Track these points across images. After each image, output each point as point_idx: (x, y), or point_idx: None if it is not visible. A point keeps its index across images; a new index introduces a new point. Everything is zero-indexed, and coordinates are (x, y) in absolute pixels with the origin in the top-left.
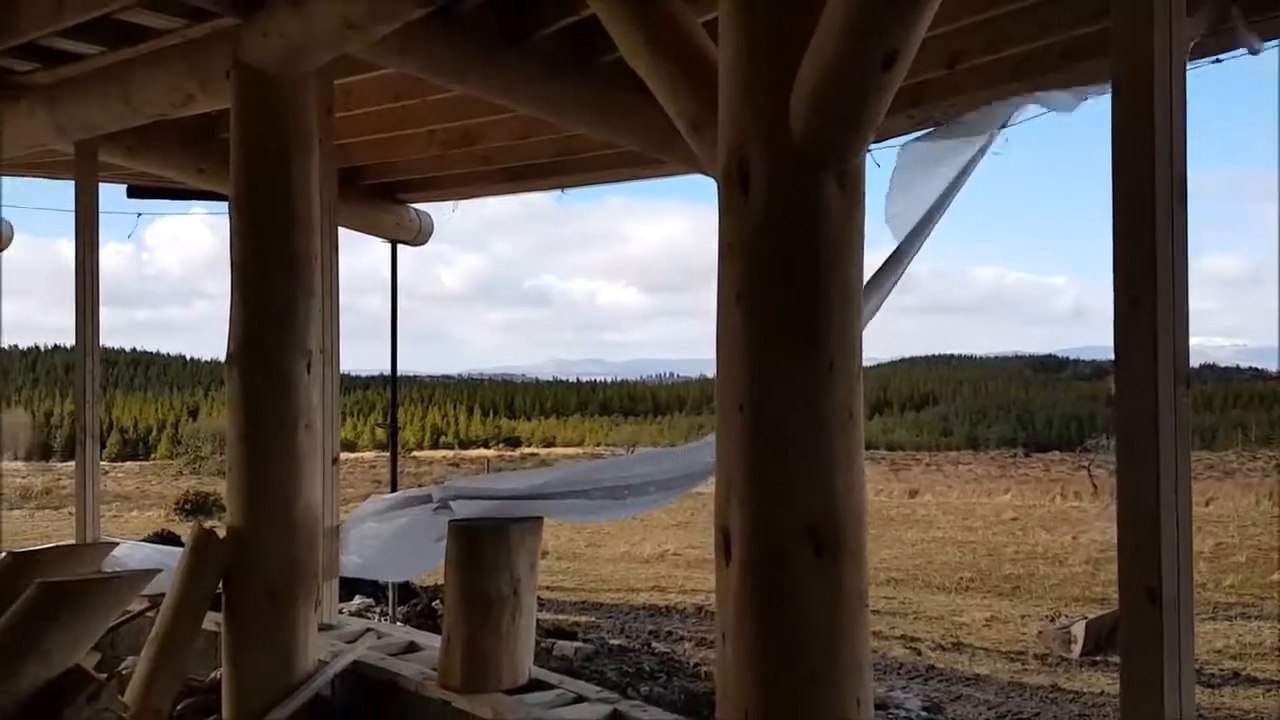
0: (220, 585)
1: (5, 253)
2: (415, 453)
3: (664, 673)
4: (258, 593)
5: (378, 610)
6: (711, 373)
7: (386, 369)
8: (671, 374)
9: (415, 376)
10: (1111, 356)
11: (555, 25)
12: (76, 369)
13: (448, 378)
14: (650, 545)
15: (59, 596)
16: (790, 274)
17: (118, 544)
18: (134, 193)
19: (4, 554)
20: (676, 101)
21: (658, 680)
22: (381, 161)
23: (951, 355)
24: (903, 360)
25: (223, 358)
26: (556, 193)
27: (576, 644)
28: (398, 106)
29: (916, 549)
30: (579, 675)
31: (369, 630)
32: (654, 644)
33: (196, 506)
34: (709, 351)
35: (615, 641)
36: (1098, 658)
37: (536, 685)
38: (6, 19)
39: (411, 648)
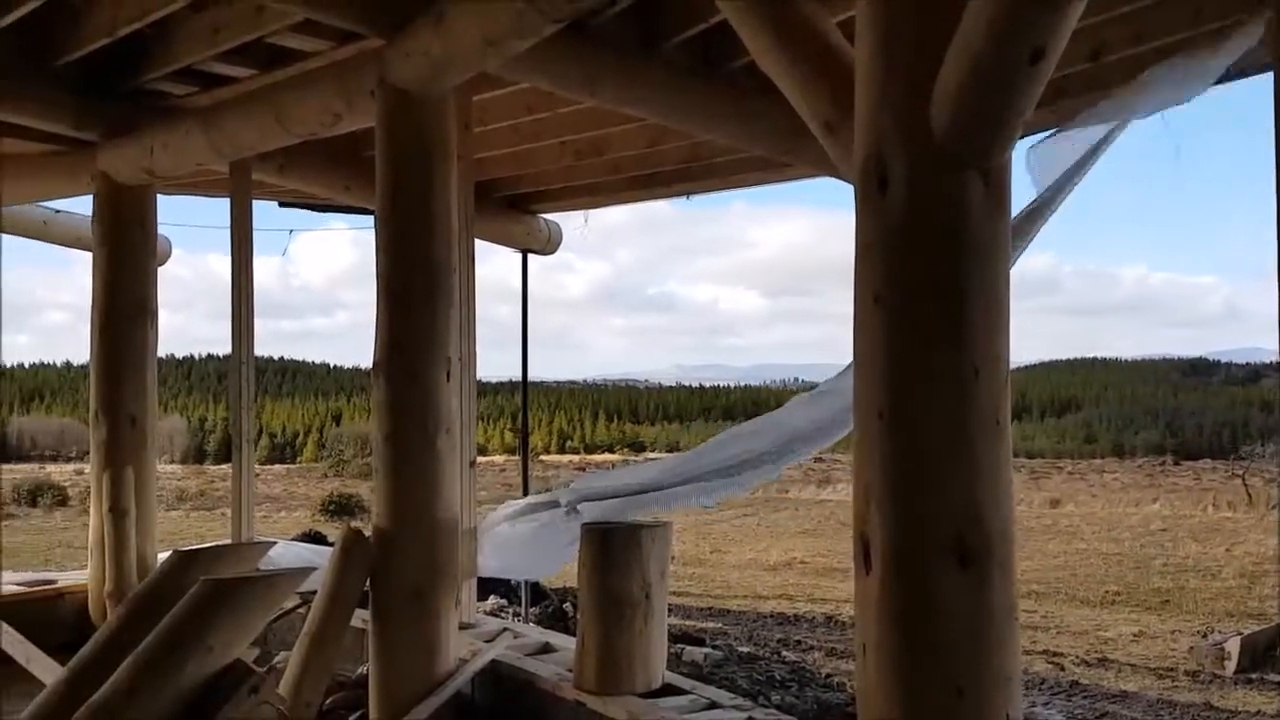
0: (367, 583)
1: (163, 267)
2: (543, 457)
3: (795, 682)
4: (403, 591)
5: (511, 610)
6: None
7: (515, 375)
8: (795, 379)
9: (541, 382)
10: (1270, 359)
11: (683, 34)
12: (231, 377)
13: (573, 383)
14: (777, 552)
15: (222, 593)
16: (931, 275)
17: (275, 544)
18: (286, 204)
19: (170, 552)
20: (810, 103)
21: (789, 689)
22: (514, 174)
23: (1094, 358)
24: (1042, 364)
25: (363, 365)
26: (678, 200)
27: (705, 650)
28: (530, 120)
29: (1059, 561)
30: (709, 682)
31: (505, 630)
32: (784, 652)
33: (340, 507)
34: (832, 356)
35: (744, 649)
36: (1253, 675)
37: (669, 690)
38: (166, 45)
39: (546, 648)
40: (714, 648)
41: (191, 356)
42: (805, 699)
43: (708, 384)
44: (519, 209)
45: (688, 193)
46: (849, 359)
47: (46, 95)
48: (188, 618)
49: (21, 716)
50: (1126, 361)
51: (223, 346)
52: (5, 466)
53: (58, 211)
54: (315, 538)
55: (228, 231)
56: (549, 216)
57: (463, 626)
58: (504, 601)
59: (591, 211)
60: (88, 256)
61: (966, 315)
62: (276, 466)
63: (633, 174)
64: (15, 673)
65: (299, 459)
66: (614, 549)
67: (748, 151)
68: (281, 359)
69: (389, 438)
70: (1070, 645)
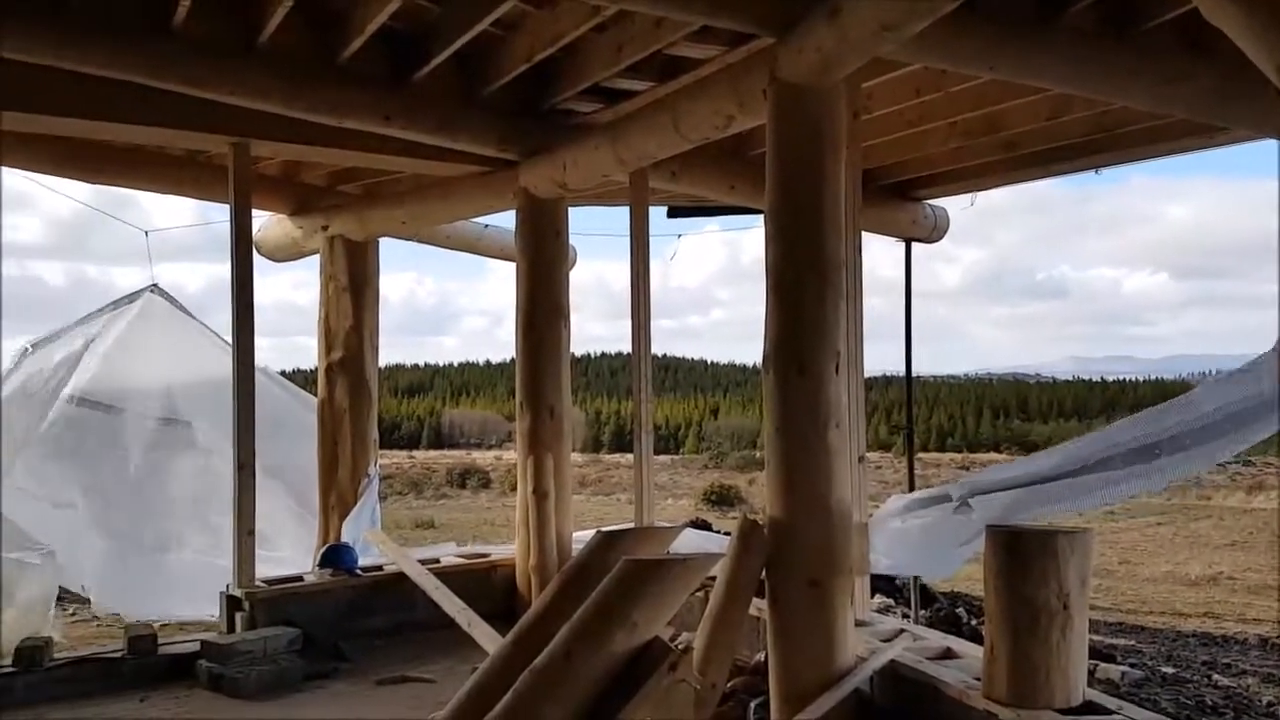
0: (763, 572)
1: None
2: (920, 454)
3: (1230, 709)
4: (799, 581)
5: (898, 611)
6: None
7: (888, 369)
8: (1217, 371)
9: (917, 376)
10: None
11: None
12: (633, 373)
13: (953, 377)
14: (1198, 566)
15: (644, 573)
16: None
17: (685, 529)
18: (673, 213)
19: (595, 532)
20: (1274, 56)
21: (1224, 717)
22: (897, 160)
23: None
24: None
25: (738, 361)
26: (1059, 179)
27: (1123, 668)
28: (917, 103)
29: None
30: (1128, 702)
31: (903, 631)
32: (1213, 675)
33: (720, 498)
34: (1259, 344)
35: (1165, 669)
36: None
37: (1091, 708)
38: (575, 66)
39: (948, 654)
40: (1131, 666)
41: (588, 355)
42: None
43: (1110, 377)
44: (903, 196)
45: (1095, 166)
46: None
47: (477, 121)
48: (614, 593)
49: (476, 674)
50: None
51: (612, 345)
52: (439, 453)
53: (486, 226)
54: (701, 525)
55: (607, 237)
56: (934, 202)
57: (858, 624)
58: (890, 601)
59: (965, 195)
60: (498, 266)
61: None
62: (662, 457)
63: (1030, 150)
64: (458, 637)
65: (681, 450)
66: (1026, 554)
67: (1166, 117)
68: (664, 356)
69: (780, 430)
70: None
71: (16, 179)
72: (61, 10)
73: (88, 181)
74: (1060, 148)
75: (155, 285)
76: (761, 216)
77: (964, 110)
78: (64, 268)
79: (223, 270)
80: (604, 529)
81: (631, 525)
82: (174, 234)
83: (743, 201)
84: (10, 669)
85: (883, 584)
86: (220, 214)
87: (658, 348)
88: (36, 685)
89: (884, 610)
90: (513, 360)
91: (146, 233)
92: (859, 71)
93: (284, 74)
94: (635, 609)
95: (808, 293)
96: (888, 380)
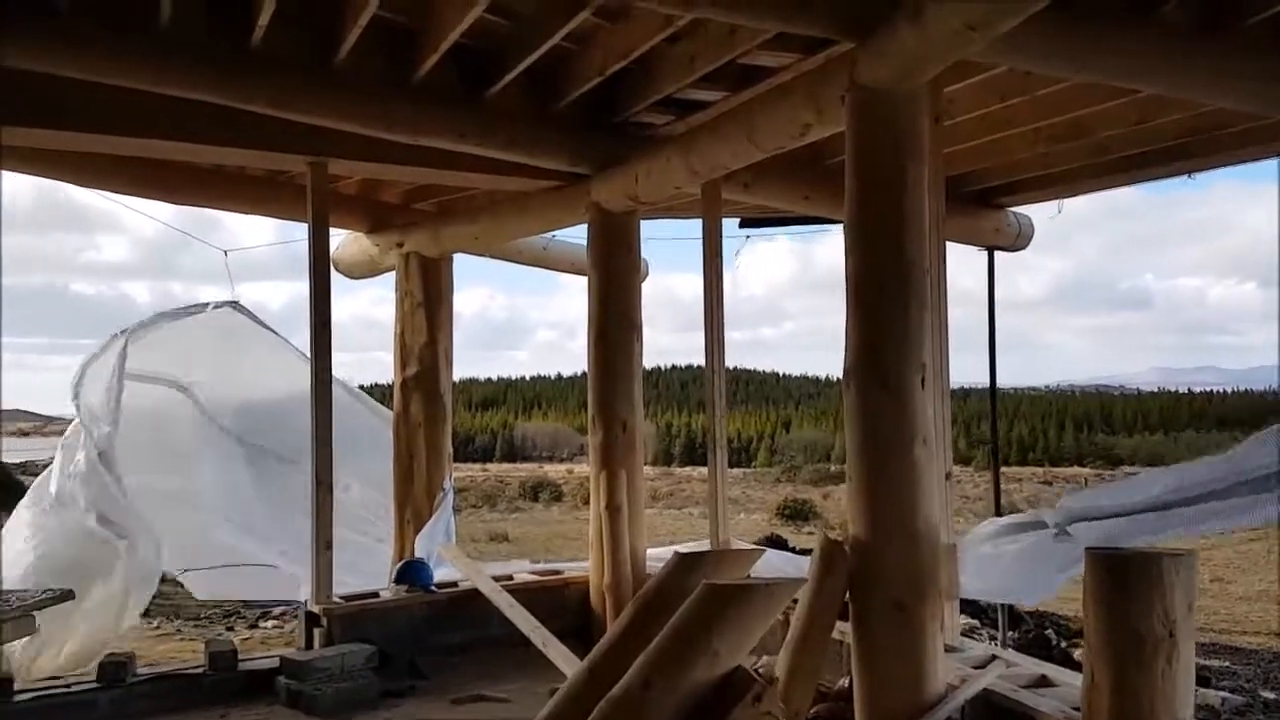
0: (846, 594)
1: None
2: (1002, 469)
3: None
4: (884, 604)
5: (984, 633)
6: None
7: (965, 381)
8: None
9: (997, 388)
10: None
11: None
12: (706, 386)
13: (1033, 389)
14: None
15: (726, 598)
16: None
17: (765, 551)
18: (745, 224)
19: (672, 554)
20: None
21: None
22: (980, 166)
23: None
24: None
25: (810, 373)
26: (1144, 185)
27: (1223, 693)
28: (1001, 107)
29: None
30: None
31: (995, 658)
32: None
33: (795, 512)
34: None
35: (1266, 694)
36: None
37: None
38: (647, 78)
39: (1043, 681)
40: (1229, 690)
41: (658, 367)
42: None
43: (1197, 388)
44: (985, 204)
45: (1186, 171)
46: None
47: (549, 136)
48: (694, 619)
49: (550, 703)
50: None
51: (682, 357)
52: (512, 466)
53: (553, 238)
54: (777, 541)
55: (675, 242)
56: (1018, 209)
57: (947, 649)
58: (975, 623)
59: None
60: (568, 280)
61: None
62: (734, 470)
63: (1121, 154)
64: (534, 654)
65: (753, 464)
66: (1128, 578)
67: (1261, 119)
68: (735, 368)
69: (862, 446)
70: None
71: (100, 200)
72: (141, 32)
73: (170, 202)
74: (1150, 152)
75: (236, 302)
76: (833, 225)
77: (1050, 115)
78: (149, 286)
79: (305, 288)
80: (680, 549)
81: (707, 544)
82: (259, 254)
83: (818, 211)
84: (94, 684)
85: (968, 605)
86: (301, 233)
87: (728, 360)
88: (119, 700)
89: (969, 632)
90: (584, 373)
91: (226, 252)
92: (941, 76)
93: (361, 94)
94: (717, 636)
95: (891, 304)
96: (965, 392)
